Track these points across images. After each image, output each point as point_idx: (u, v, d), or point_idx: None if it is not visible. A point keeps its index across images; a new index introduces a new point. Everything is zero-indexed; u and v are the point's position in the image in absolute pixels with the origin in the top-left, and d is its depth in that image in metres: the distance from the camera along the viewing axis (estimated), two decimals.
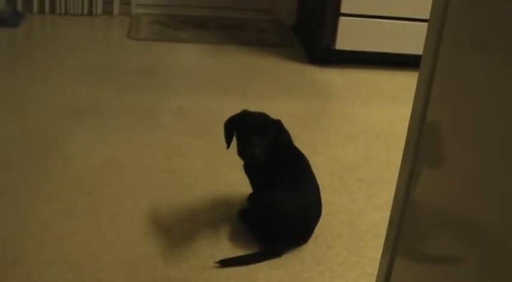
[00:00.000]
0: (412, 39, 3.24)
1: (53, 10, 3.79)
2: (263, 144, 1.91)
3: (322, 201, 1.99)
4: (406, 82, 3.18)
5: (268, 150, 1.92)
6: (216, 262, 1.84)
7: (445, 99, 1.23)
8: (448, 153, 1.20)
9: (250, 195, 2.08)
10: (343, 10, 3.23)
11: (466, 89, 1.14)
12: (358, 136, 2.66)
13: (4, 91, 2.79)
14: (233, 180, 2.24)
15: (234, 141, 1.98)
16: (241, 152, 1.94)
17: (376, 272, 1.49)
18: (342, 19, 3.25)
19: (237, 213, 2.06)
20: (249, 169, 2.03)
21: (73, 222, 1.97)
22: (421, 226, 1.31)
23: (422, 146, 1.30)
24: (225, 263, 1.84)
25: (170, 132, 2.55)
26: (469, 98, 1.12)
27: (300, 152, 2.04)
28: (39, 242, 1.87)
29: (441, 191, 1.22)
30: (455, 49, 1.19)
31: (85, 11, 3.82)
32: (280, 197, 1.93)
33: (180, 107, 2.74)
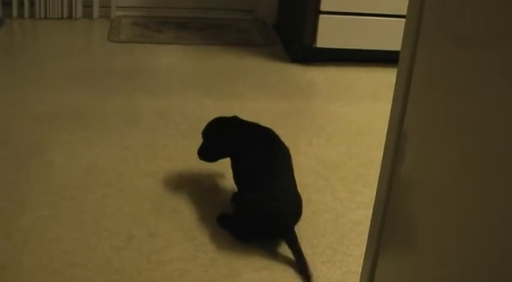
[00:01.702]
0: (392, 36, 3.24)
1: (32, 14, 3.77)
2: (203, 147, 2.11)
3: (306, 200, 1.99)
4: (387, 79, 3.17)
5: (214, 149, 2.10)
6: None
7: (424, 96, 1.23)
8: (430, 150, 1.20)
9: (234, 195, 2.10)
10: (322, 8, 3.22)
11: (446, 84, 1.14)
12: (341, 134, 2.66)
13: None
14: (217, 182, 2.23)
15: None
16: None
17: (360, 270, 1.49)
18: (321, 17, 3.24)
19: (216, 219, 2.03)
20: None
21: (56, 229, 1.96)
22: (403, 221, 1.31)
23: (402, 143, 1.30)
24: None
25: (153, 134, 2.54)
26: (449, 93, 1.12)
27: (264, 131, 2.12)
28: (22, 249, 1.86)
29: (423, 186, 1.22)
30: (434, 44, 1.20)
31: (65, 15, 3.80)
32: (257, 196, 1.93)
33: (163, 109, 2.73)
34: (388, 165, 1.36)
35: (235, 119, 2.11)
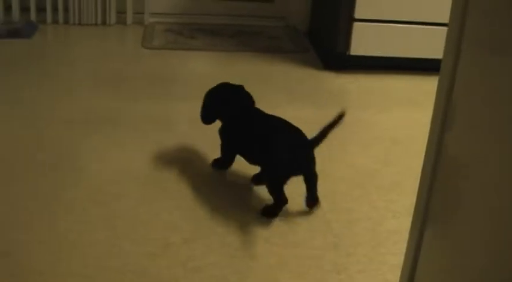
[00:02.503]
0: (426, 43, 3.22)
1: (66, 20, 3.80)
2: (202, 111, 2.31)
3: (342, 209, 1.98)
4: (422, 86, 3.16)
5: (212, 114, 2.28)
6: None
7: (466, 103, 1.21)
8: (470, 156, 1.18)
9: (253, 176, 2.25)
10: (356, 15, 3.21)
11: (488, 92, 1.12)
12: (376, 142, 2.64)
13: (19, 103, 2.78)
14: (252, 188, 2.22)
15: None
16: None
17: (397, 279, 1.47)
18: (355, 24, 3.23)
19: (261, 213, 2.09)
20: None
21: (90, 234, 1.96)
22: (443, 232, 1.29)
23: (444, 149, 1.29)
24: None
25: (185, 140, 2.54)
26: (491, 101, 1.11)
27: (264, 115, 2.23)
28: (56, 254, 1.86)
29: (463, 196, 1.20)
30: (476, 52, 1.18)
31: (99, 21, 3.82)
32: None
33: (195, 116, 2.72)
34: (427, 175, 1.34)
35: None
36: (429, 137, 1.35)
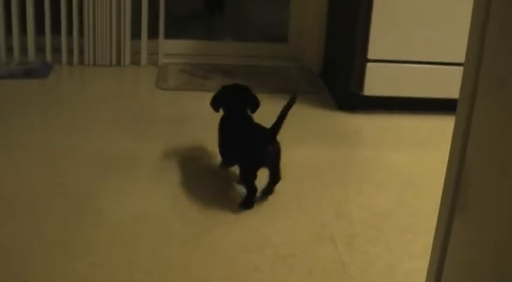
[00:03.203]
0: (440, 83, 3.22)
1: (81, 61, 3.83)
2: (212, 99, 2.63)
3: (358, 251, 1.95)
4: (436, 126, 3.16)
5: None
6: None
7: (484, 142, 1.21)
8: (488, 197, 1.17)
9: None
10: (370, 56, 3.22)
11: (506, 132, 1.11)
12: (390, 183, 2.62)
13: (36, 144, 2.79)
14: (265, 232, 2.21)
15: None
16: None
17: None
18: (369, 65, 3.23)
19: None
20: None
21: (108, 276, 1.94)
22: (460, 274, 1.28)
23: (461, 190, 1.27)
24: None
25: (201, 182, 2.53)
26: (510, 141, 1.10)
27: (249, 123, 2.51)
28: None
29: (478, 242, 1.19)
30: (493, 90, 1.17)
31: (113, 62, 3.85)
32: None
33: (211, 157, 2.73)
34: (445, 217, 1.33)
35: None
36: (446, 178, 1.34)
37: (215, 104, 2.61)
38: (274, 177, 2.41)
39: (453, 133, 1.31)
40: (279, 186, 2.41)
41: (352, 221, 2.29)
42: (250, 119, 2.54)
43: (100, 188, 2.44)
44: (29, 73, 3.61)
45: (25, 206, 2.31)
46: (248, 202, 2.35)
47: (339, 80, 3.51)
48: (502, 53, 1.14)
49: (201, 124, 3.08)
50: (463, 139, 1.26)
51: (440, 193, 1.35)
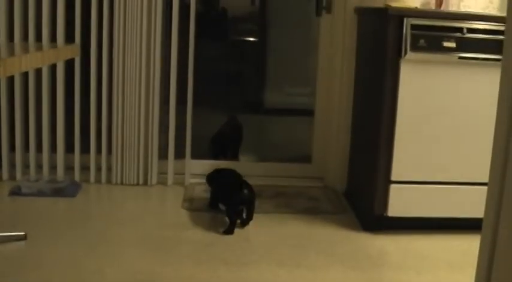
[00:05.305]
0: (464, 203, 3.23)
1: (109, 180, 3.90)
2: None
3: None
4: (461, 247, 3.14)
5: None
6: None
7: (510, 263, 1.22)
8: None
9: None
10: (393, 178, 3.26)
11: None
12: None
13: (61, 264, 2.80)
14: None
15: None
16: None
17: None
18: (392, 186, 3.27)
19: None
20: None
21: None
22: None
23: None
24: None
25: None
26: None
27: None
28: None
29: None
30: None
31: (140, 181, 3.92)
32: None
33: (237, 281, 2.71)
34: None
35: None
36: None
37: (209, 182, 3.62)
38: (248, 215, 3.34)
39: (478, 257, 1.32)
40: None
41: None
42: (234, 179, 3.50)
43: None
44: (57, 191, 3.67)
45: None
46: (229, 231, 3.23)
47: (363, 201, 3.54)
48: None
49: (227, 246, 3.08)
50: (489, 263, 1.28)
51: None
